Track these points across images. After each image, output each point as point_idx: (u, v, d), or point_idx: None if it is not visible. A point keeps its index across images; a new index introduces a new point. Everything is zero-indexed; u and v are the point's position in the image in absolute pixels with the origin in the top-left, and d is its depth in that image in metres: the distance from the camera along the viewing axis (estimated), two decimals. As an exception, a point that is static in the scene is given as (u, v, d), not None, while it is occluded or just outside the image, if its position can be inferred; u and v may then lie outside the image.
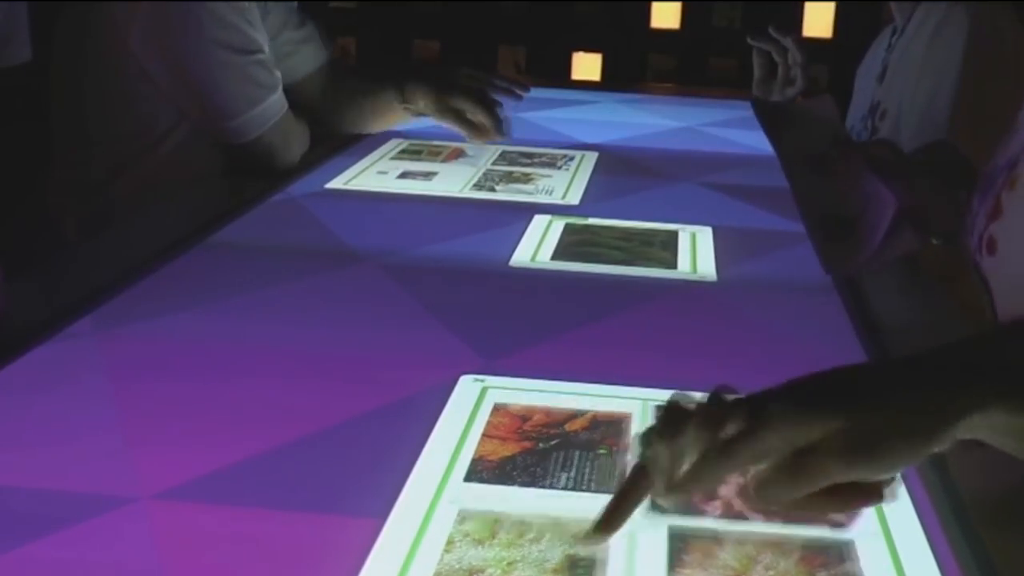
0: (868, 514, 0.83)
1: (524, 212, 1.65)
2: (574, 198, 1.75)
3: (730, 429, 0.68)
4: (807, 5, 4.06)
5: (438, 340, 1.16)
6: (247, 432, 0.93)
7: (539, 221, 1.60)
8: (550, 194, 1.77)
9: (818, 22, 4.06)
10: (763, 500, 0.67)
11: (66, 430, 0.93)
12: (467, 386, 1.02)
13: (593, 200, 1.75)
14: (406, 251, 1.47)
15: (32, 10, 2.17)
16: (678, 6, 4.14)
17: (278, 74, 1.91)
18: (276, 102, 1.87)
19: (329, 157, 1.97)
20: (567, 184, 1.83)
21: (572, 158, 2.02)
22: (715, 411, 0.69)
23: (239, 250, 1.46)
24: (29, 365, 1.05)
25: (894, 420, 0.66)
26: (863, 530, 0.81)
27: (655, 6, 4.15)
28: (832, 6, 4.06)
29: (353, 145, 2.08)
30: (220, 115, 1.83)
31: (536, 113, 2.38)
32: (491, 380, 1.04)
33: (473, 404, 0.99)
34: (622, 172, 1.99)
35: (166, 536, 0.78)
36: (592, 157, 2.04)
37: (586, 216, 1.65)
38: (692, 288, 1.37)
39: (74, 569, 0.74)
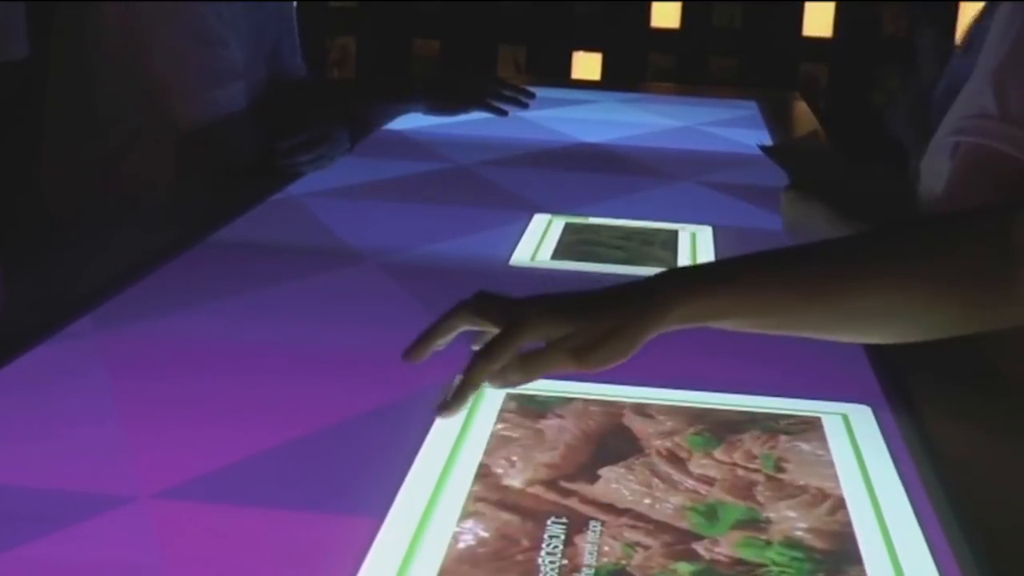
0: (868, 513, 0.83)
1: (524, 211, 1.65)
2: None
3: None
4: (807, 5, 4.06)
5: (438, 340, 1.15)
6: (247, 431, 0.93)
7: (539, 220, 1.60)
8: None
9: (818, 22, 4.06)
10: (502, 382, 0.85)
11: (66, 430, 0.93)
12: (467, 386, 1.02)
13: (589, 200, 1.75)
14: (406, 251, 1.46)
15: (30, 5, 2.17)
16: (678, 6, 4.13)
17: (240, 76, 1.89)
18: (232, 96, 1.86)
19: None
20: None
21: None
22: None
23: (239, 250, 1.46)
24: (29, 365, 1.05)
25: (611, 321, 0.85)
26: (863, 529, 0.81)
27: (655, 6, 4.14)
28: (832, 6, 4.05)
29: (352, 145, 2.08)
30: (174, 96, 1.81)
31: (536, 112, 2.38)
32: (491, 380, 1.03)
33: (472, 404, 0.98)
34: (622, 172, 1.99)
35: (165, 536, 0.78)
36: None
37: (586, 215, 1.65)
38: (692, 288, 1.37)
39: (74, 569, 0.74)
